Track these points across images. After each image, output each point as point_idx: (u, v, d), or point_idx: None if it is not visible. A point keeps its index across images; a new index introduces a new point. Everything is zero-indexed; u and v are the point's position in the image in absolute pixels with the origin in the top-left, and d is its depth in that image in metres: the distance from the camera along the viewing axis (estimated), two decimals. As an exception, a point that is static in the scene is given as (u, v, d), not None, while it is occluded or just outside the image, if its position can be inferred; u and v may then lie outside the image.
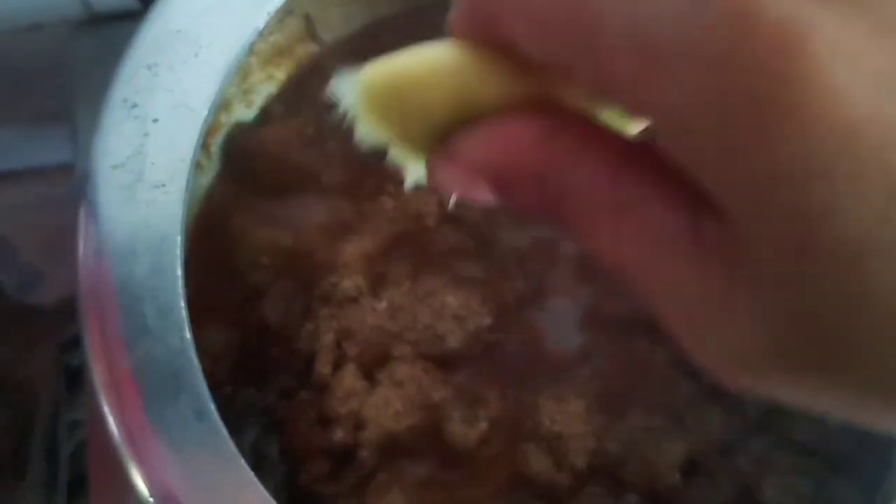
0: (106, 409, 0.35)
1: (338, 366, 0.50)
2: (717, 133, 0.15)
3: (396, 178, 0.54)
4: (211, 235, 0.54)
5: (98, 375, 0.35)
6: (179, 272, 0.36)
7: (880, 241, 0.15)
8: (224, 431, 0.34)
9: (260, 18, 0.40)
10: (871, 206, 0.14)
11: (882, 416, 0.17)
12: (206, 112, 0.38)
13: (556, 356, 0.52)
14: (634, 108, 0.18)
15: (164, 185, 0.37)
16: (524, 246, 0.55)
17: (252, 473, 0.34)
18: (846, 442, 0.50)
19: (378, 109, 0.22)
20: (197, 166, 0.53)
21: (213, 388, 0.50)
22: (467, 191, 0.21)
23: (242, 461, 0.34)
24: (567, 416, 0.49)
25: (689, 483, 0.49)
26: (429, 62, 0.21)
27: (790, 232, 0.15)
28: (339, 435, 0.49)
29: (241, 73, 0.54)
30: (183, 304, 0.36)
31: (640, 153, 0.18)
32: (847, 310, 0.15)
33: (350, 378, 0.50)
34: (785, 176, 0.15)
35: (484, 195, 0.21)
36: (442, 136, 0.21)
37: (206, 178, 0.54)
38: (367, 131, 0.23)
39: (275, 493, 0.48)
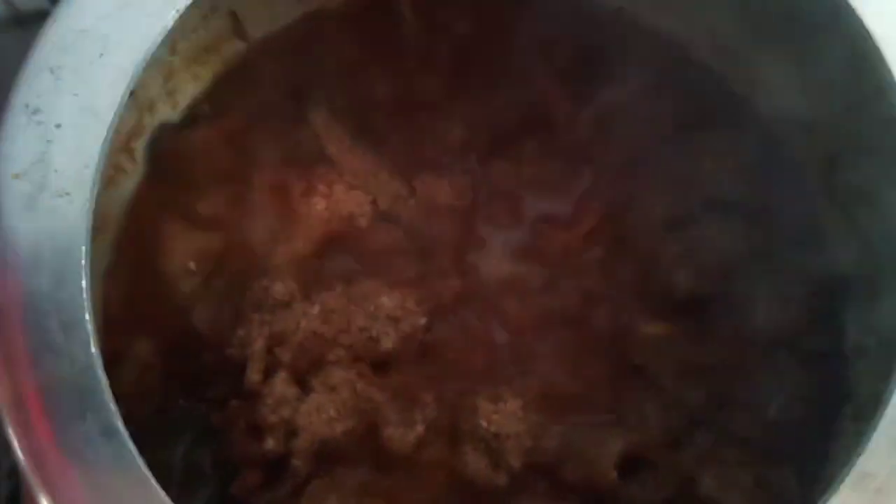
0: (11, 431, 0.33)
1: (269, 373, 0.49)
2: None
3: (327, 179, 0.53)
4: (137, 242, 0.52)
5: (1, 394, 0.34)
6: (84, 284, 0.34)
7: None
8: (134, 450, 0.33)
9: (169, 16, 0.39)
10: None
11: None
12: (112, 116, 0.37)
13: (493, 356, 0.52)
14: None
15: (68, 194, 0.35)
16: (458, 244, 0.54)
17: (162, 493, 0.33)
18: (786, 435, 0.50)
19: None
20: (120, 171, 0.52)
21: (142, 398, 0.49)
22: None
23: (153, 481, 0.33)
24: (503, 415, 0.49)
25: (629, 479, 0.49)
26: None
27: None
28: (271, 444, 0.48)
29: (164, 73, 0.52)
30: (88, 318, 0.34)
31: None
32: None
33: (281, 385, 0.48)
34: None
35: None
36: None
37: (131, 182, 0.53)
38: None
39: (207, 502, 0.48)
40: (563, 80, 0.57)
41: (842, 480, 0.36)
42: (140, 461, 0.33)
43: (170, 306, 0.51)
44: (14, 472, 0.70)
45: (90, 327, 0.34)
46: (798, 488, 0.48)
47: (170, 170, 0.53)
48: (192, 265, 0.52)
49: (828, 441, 0.49)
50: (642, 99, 0.56)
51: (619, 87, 0.57)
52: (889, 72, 0.42)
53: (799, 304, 0.52)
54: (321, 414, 0.48)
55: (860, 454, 0.36)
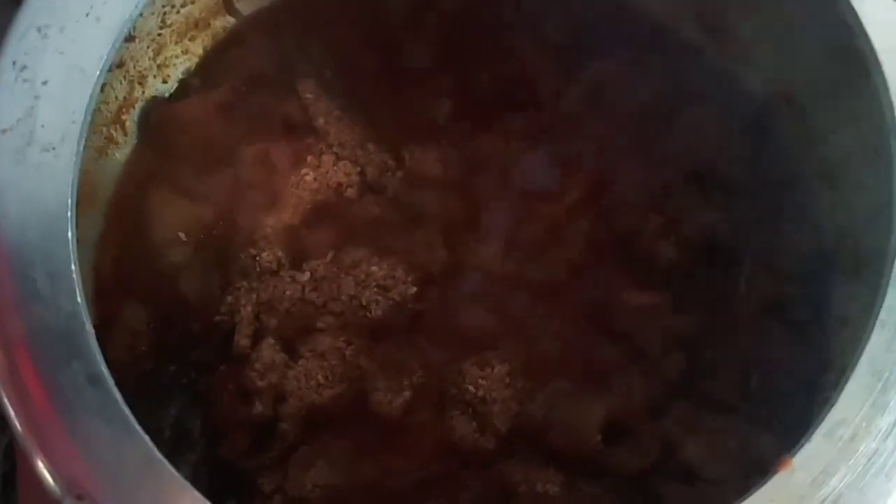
0: (-1, 376, 0.34)
1: (257, 339, 0.50)
2: None
3: (315, 150, 0.54)
4: (128, 212, 0.53)
5: (-9, 343, 0.34)
6: (70, 235, 0.35)
7: None
8: (118, 396, 0.34)
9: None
10: None
11: None
12: (98, 72, 0.37)
13: (481, 323, 0.52)
14: None
15: (54, 149, 0.36)
16: (448, 215, 0.55)
17: (147, 437, 0.33)
18: (768, 402, 0.50)
19: None
20: (111, 142, 0.53)
21: (133, 363, 0.50)
22: None
23: (136, 426, 0.33)
24: (490, 381, 0.50)
25: (613, 445, 0.49)
26: None
27: None
28: (259, 408, 0.48)
29: (154, 46, 0.53)
30: (75, 268, 0.35)
31: None
32: None
33: (269, 350, 0.49)
34: None
35: None
36: None
37: (122, 154, 0.54)
38: None
39: (196, 467, 0.49)
40: (551, 54, 0.58)
41: (815, 430, 0.36)
42: (125, 408, 0.33)
43: (160, 275, 0.52)
44: (10, 449, 0.71)
45: (76, 277, 0.34)
46: (781, 454, 0.48)
47: (160, 141, 0.54)
48: (181, 235, 0.52)
49: (810, 408, 0.49)
50: (628, 74, 0.57)
51: (606, 63, 0.57)
52: (870, 45, 0.43)
53: (782, 274, 0.53)
54: (309, 380, 0.49)
55: (833, 404, 0.36)
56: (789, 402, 0.49)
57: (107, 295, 0.51)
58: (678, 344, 0.52)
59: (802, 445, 0.36)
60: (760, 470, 0.38)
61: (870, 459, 0.36)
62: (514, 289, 0.53)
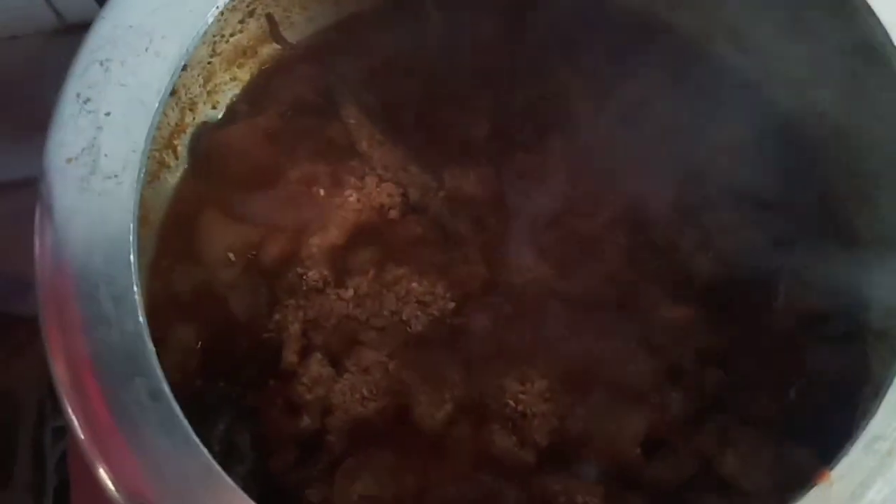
0: (64, 394, 0.36)
1: (304, 354, 0.51)
2: None
3: (359, 172, 0.55)
4: (179, 233, 0.55)
5: (56, 362, 0.36)
6: (132, 258, 0.37)
7: None
8: (178, 411, 0.36)
9: (209, 13, 0.41)
10: None
11: None
12: (157, 104, 0.39)
13: (520, 338, 0.53)
14: None
15: (116, 176, 0.38)
16: (487, 233, 0.56)
17: (205, 450, 0.35)
18: (806, 416, 0.51)
19: None
20: (164, 166, 0.55)
21: (184, 381, 0.52)
22: None
23: (196, 439, 0.35)
24: (530, 396, 0.51)
25: (652, 459, 0.50)
26: None
27: None
28: (307, 421, 0.50)
29: (204, 73, 0.55)
30: (137, 290, 0.37)
31: None
32: None
33: (316, 365, 0.51)
34: None
35: None
36: None
37: (174, 177, 0.56)
38: None
39: (244, 480, 0.50)
40: (585, 75, 0.59)
41: (853, 444, 0.37)
42: (185, 422, 0.35)
43: (210, 294, 0.54)
44: (61, 432, 0.73)
45: (138, 298, 0.36)
46: (817, 467, 0.49)
47: (210, 165, 0.56)
48: (230, 255, 0.54)
49: (849, 422, 0.49)
50: (661, 92, 0.58)
51: (639, 81, 0.58)
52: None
53: (819, 288, 0.53)
54: (354, 393, 0.51)
55: (871, 418, 0.37)
56: (826, 415, 0.50)
57: (158, 314, 0.52)
58: (715, 358, 0.53)
59: (840, 459, 0.37)
60: (797, 484, 0.39)
61: (907, 474, 0.37)
62: (552, 304, 0.54)
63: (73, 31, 0.68)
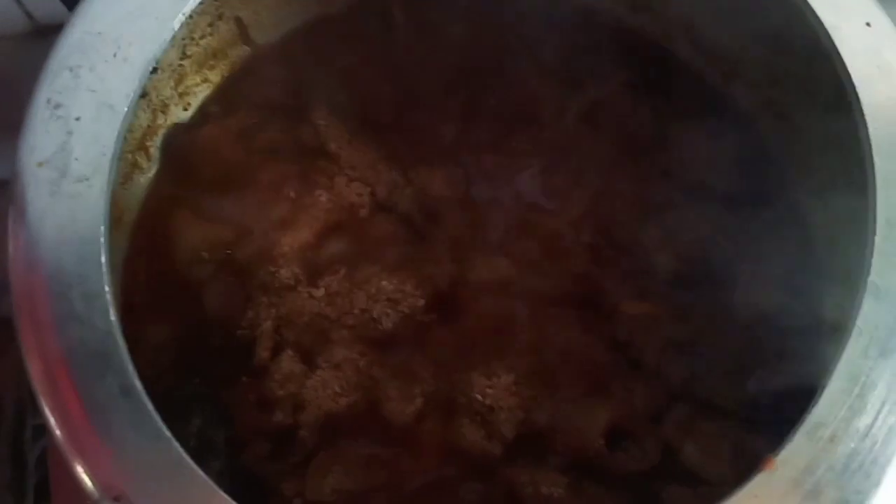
0: (39, 391, 0.37)
1: (277, 351, 0.53)
2: None
3: (329, 172, 0.56)
4: (152, 233, 0.56)
5: (31, 360, 0.37)
6: (104, 259, 0.38)
7: None
8: (150, 406, 0.37)
9: (177, 19, 0.42)
10: None
11: None
12: (126, 108, 0.40)
13: (487, 334, 0.55)
14: None
15: (87, 179, 0.39)
16: (455, 231, 0.57)
17: (177, 444, 0.36)
18: (764, 406, 0.52)
19: None
20: (136, 167, 0.56)
21: (158, 378, 0.53)
22: None
23: (167, 433, 0.36)
24: (497, 390, 0.52)
25: (616, 449, 0.51)
26: None
27: None
28: (279, 417, 0.51)
29: (175, 76, 0.56)
30: (108, 289, 0.38)
31: None
32: None
33: (289, 362, 0.52)
34: None
35: None
36: None
37: (146, 178, 0.57)
38: None
39: (219, 474, 0.51)
40: (552, 78, 0.61)
41: (796, 431, 0.38)
42: (156, 416, 0.36)
43: (183, 292, 0.55)
44: (41, 430, 0.74)
45: (109, 298, 0.38)
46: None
47: (182, 166, 0.57)
48: (204, 254, 0.55)
49: (798, 413, 0.51)
50: (625, 94, 0.59)
51: (604, 84, 0.60)
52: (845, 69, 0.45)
53: (775, 284, 0.55)
54: (326, 389, 0.52)
55: (814, 406, 0.39)
56: (783, 406, 0.51)
57: (132, 312, 0.53)
58: (677, 351, 0.54)
59: (784, 446, 0.38)
60: (755, 471, 0.40)
61: (849, 458, 0.38)
62: (519, 300, 0.56)
63: (45, 34, 0.69)
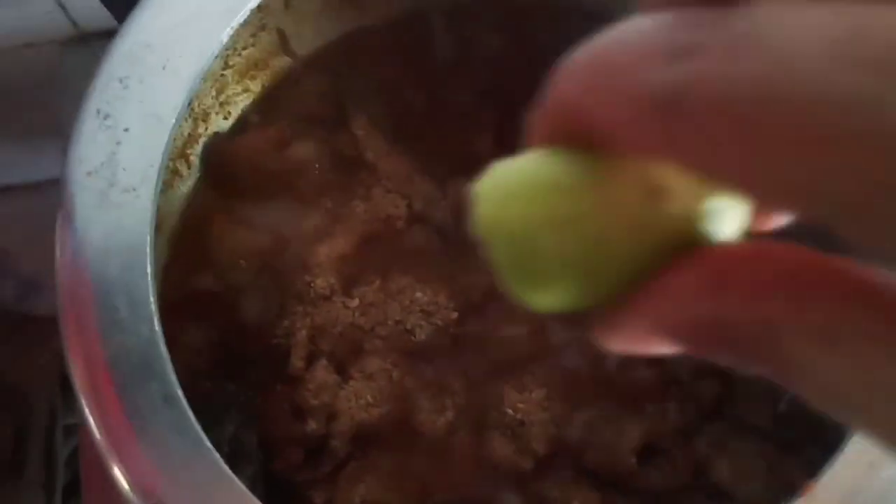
0: (82, 396, 0.38)
1: (311, 360, 0.53)
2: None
3: (366, 183, 0.57)
4: (191, 240, 0.57)
5: (75, 365, 0.38)
6: (149, 269, 0.39)
7: None
8: (190, 415, 0.37)
9: (225, 32, 0.43)
10: None
11: None
12: (174, 120, 0.41)
13: (519, 347, 0.55)
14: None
15: (134, 190, 0.40)
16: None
17: (216, 453, 0.37)
18: (795, 426, 0.52)
19: (507, 255, 0.18)
20: (177, 175, 0.56)
21: (193, 382, 0.53)
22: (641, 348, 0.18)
23: (207, 443, 0.37)
24: (529, 404, 0.52)
25: (648, 466, 0.51)
26: (544, 194, 0.18)
27: None
28: (312, 426, 0.51)
29: (217, 86, 0.57)
30: (153, 298, 0.38)
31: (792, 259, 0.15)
32: None
33: (322, 372, 0.52)
34: None
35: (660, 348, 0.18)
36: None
37: (186, 186, 0.57)
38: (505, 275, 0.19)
39: (251, 480, 0.52)
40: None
41: (837, 455, 0.38)
42: (197, 426, 0.37)
43: (220, 299, 0.55)
44: (72, 429, 0.75)
45: (154, 307, 0.38)
46: (805, 477, 0.50)
47: (221, 174, 0.58)
48: (241, 261, 0.56)
49: (837, 434, 0.51)
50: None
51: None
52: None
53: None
54: (359, 399, 0.52)
55: (855, 430, 0.39)
56: (817, 426, 0.51)
57: (170, 317, 0.54)
58: (711, 369, 0.54)
59: (825, 470, 0.38)
60: (786, 493, 0.40)
61: (890, 484, 0.38)
62: (551, 314, 0.56)
63: (88, 40, 0.70)
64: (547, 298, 0.18)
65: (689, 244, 0.16)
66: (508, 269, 0.18)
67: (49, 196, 0.87)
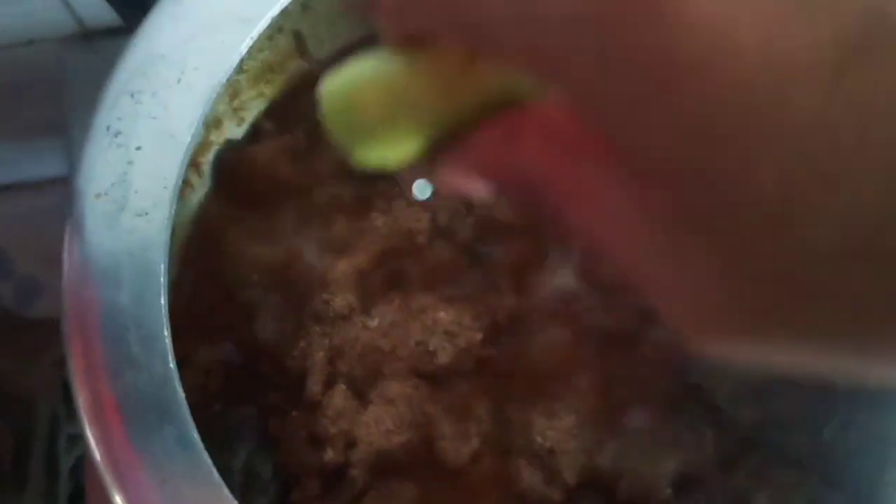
0: (91, 438, 0.35)
1: (329, 384, 0.50)
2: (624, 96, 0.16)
3: (387, 195, 0.54)
4: (203, 253, 0.54)
5: (83, 404, 0.35)
6: (163, 301, 0.36)
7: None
8: (208, 460, 0.34)
9: (244, 43, 0.40)
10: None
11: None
12: (189, 139, 0.38)
13: (548, 371, 0.52)
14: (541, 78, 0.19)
15: (147, 214, 0.37)
16: (515, 261, 0.55)
17: (226, 489, 0.34)
18: (839, 457, 0.50)
19: (338, 119, 0.23)
20: (188, 185, 0.53)
21: (204, 404, 0.51)
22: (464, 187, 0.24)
23: (226, 491, 0.34)
24: (558, 431, 0.50)
25: (683, 497, 0.49)
26: (373, 73, 0.23)
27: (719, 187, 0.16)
28: (330, 454, 0.49)
29: (231, 91, 0.54)
30: (167, 333, 0.36)
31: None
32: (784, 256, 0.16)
33: (341, 397, 0.50)
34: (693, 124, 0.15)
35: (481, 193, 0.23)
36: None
37: (197, 196, 0.54)
38: (337, 137, 0.24)
39: (267, 512, 0.49)
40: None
41: (882, 490, 0.36)
42: (214, 472, 0.34)
43: (233, 316, 0.53)
44: (75, 439, 0.72)
45: (169, 342, 0.35)
46: (854, 512, 0.48)
47: (234, 184, 0.55)
48: (254, 276, 0.53)
49: (882, 467, 0.49)
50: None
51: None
52: None
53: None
54: (379, 426, 0.50)
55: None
56: (860, 460, 0.49)
57: (180, 334, 0.51)
58: (750, 396, 0.51)
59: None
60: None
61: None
62: (583, 337, 0.53)
63: (92, 38, 0.67)
64: (374, 152, 0.23)
65: (498, 106, 0.20)
66: (338, 128, 0.23)
67: (50, 196, 0.84)
